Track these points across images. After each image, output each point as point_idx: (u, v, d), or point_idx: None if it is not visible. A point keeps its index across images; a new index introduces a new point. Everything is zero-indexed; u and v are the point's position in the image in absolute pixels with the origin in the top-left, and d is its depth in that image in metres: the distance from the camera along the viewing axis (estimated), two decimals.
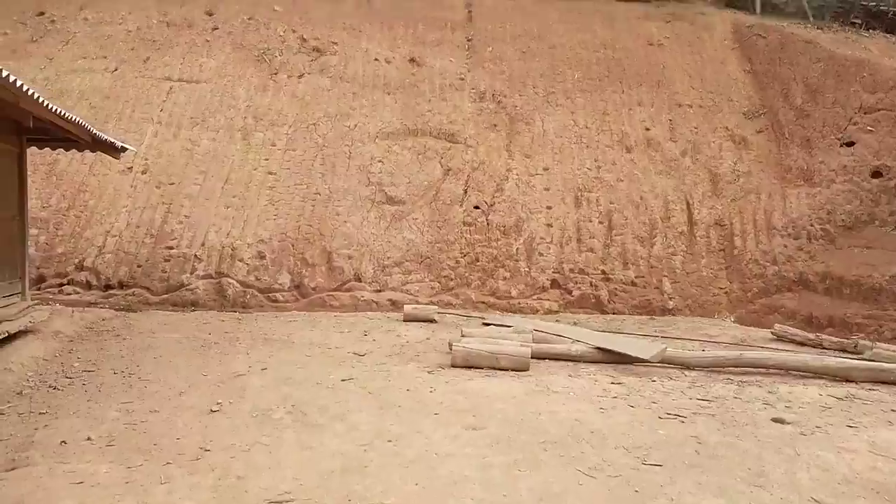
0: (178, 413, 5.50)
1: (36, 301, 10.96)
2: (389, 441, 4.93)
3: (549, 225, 13.93)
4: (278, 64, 16.22)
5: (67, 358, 7.38)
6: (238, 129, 14.68)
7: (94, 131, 9.46)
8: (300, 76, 16.10)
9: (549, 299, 13.08)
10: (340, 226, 13.22)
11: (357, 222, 13.38)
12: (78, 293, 11.89)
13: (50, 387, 6.22)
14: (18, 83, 5.91)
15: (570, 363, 7.72)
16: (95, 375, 6.70)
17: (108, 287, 12.06)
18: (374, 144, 14.92)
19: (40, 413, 5.43)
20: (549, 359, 7.83)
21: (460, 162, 14.94)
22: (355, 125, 15.14)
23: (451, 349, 7.68)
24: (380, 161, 14.53)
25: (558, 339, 8.63)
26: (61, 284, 12.03)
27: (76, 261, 12.25)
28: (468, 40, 18.00)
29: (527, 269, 13.31)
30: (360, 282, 12.77)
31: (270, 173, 14.00)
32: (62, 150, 11.60)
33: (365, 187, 13.99)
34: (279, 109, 15.20)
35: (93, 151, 11.07)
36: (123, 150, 10.98)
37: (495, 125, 15.60)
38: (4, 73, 5.47)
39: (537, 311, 12.75)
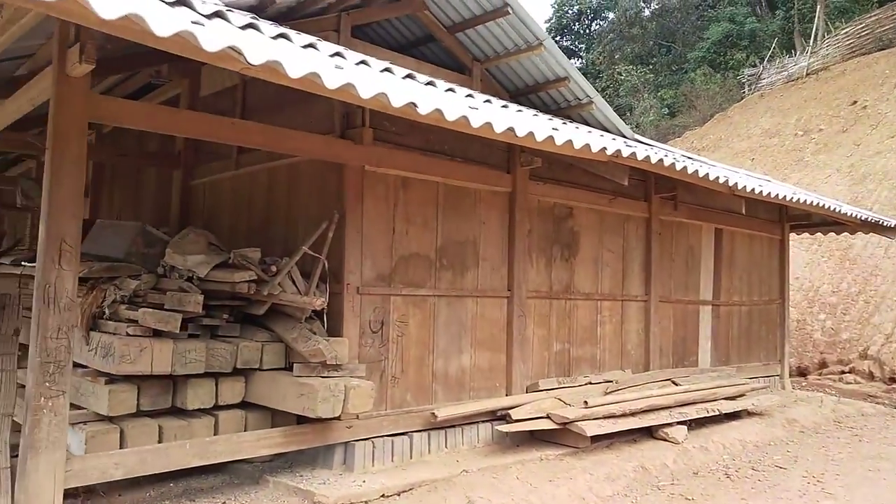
0: None
1: (811, 387, 10.41)
2: None
3: None
4: None
5: (777, 449, 6.65)
6: None
7: (850, 211, 8.52)
8: None
9: None
10: None
11: None
12: (858, 383, 10.59)
13: (724, 474, 5.75)
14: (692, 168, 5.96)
15: None
16: (780, 474, 5.78)
17: (892, 380, 10.31)
18: None
19: (687, 499, 5.12)
20: None
21: None
22: None
23: None
24: None
25: None
26: (842, 372, 10.98)
27: (860, 348, 10.98)
28: None
29: None
30: None
31: None
32: (847, 233, 10.78)
33: None
34: None
35: (865, 232, 9.92)
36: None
37: None
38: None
39: None
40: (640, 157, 5.16)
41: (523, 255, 6.12)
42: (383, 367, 5.14)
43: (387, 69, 4.37)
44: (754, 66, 23.85)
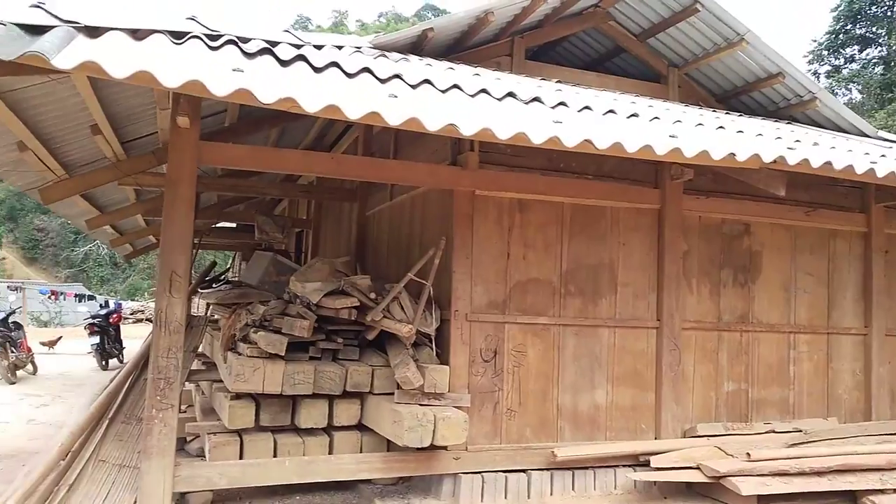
0: None
1: None
2: None
3: None
4: None
5: None
6: None
7: None
8: None
9: None
10: None
11: None
12: None
13: None
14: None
15: None
16: None
17: None
18: None
19: None
20: None
21: None
22: None
23: None
24: None
25: None
26: None
27: None
28: None
29: None
30: None
31: None
32: None
33: None
34: None
35: None
36: None
37: None
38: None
39: None
40: (791, 161, 4.20)
41: (677, 279, 5.37)
42: (496, 399, 4.90)
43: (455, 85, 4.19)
44: None
